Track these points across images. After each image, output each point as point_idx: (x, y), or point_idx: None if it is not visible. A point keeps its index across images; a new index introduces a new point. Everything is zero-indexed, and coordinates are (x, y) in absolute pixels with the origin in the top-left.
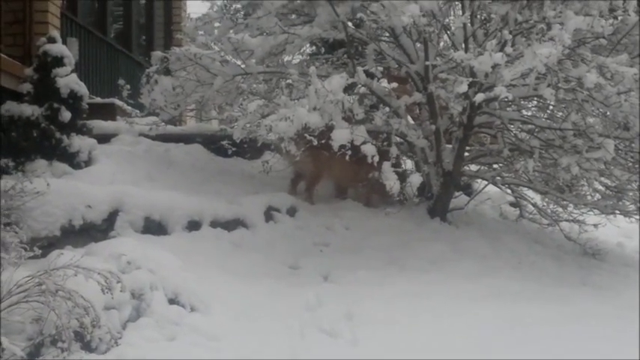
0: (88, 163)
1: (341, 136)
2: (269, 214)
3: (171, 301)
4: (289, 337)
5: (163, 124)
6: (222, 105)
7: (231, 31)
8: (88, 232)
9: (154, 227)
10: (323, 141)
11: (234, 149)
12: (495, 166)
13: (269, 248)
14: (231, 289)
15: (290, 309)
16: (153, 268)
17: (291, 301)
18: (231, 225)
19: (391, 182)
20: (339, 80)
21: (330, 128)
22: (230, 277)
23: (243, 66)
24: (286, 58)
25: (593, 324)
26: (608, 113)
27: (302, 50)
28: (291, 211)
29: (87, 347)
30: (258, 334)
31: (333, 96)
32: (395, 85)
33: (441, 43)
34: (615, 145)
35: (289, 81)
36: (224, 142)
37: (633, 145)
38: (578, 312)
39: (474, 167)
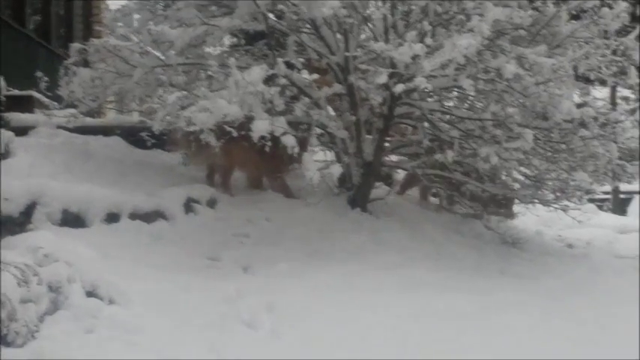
0: (5, 155)
1: (261, 127)
2: (189, 206)
3: (90, 294)
4: (208, 330)
5: (82, 116)
6: (142, 97)
7: (150, 22)
8: (5, 225)
9: (72, 220)
10: (237, 133)
11: (153, 141)
12: (415, 156)
13: (189, 240)
14: (151, 282)
15: (210, 301)
16: (71, 260)
17: (211, 294)
18: (150, 217)
19: (311, 173)
20: (259, 71)
21: (249, 119)
22: (149, 269)
23: (162, 57)
24: (207, 50)
25: (513, 313)
26: (527, 103)
27: (222, 42)
28: (211, 203)
29: (3, 341)
30: (177, 326)
31: (253, 87)
32: (316, 76)
33: (362, 35)
34: (534, 135)
35: (209, 72)
36: (143, 134)
37: (552, 135)
38: (498, 301)
39: (394, 158)
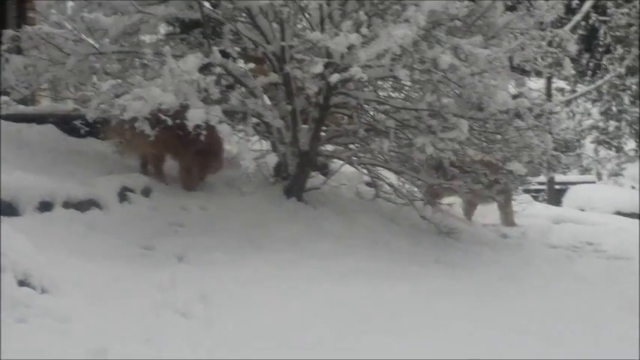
0: None
1: (196, 116)
2: (123, 195)
3: (22, 283)
4: (143, 319)
5: (15, 103)
6: (76, 85)
7: (84, 10)
8: None
9: (4, 208)
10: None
11: (87, 129)
12: (351, 146)
13: (123, 229)
14: (84, 271)
15: (144, 290)
16: (2, 249)
17: (145, 283)
18: (84, 206)
19: (247, 162)
20: (194, 60)
21: (184, 108)
22: (83, 258)
23: (96, 45)
24: (142, 38)
25: (446, 301)
26: (462, 94)
27: (157, 30)
28: (146, 192)
29: None
30: (111, 315)
31: (189, 76)
32: (252, 65)
33: (298, 24)
34: (469, 126)
35: (144, 61)
36: (77, 123)
37: (487, 125)
38: (432, 289)
39: (330, 147)
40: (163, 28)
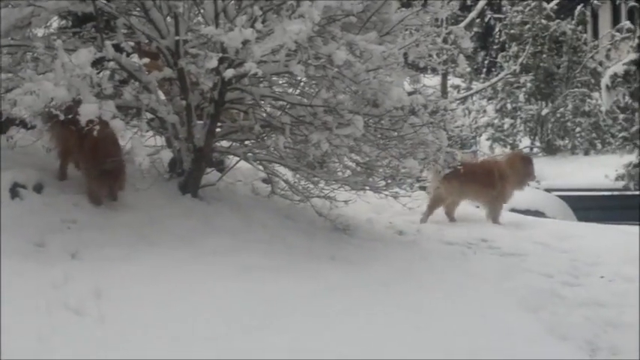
0: None
1: (89, 110)
2: (14, 191)
3: None
4: (35, 316)
5: None
6: None
7: None
8: None
9: None
10: (71, 116)
11: None
12: (247, 142)
13: (14, 226)
14: None
15: (36, 287)
16: None
17: (38, 280)
18: None
19: (141, 158)
20: (86, 54)
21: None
22: None
23: None
24: (33, 31)
25: (342, 297)
26: (357, 90)
27: (49, 23)
28: (38, 188)
29: None
30: (2, 313)
31: (81, 70)
32: (146, 60)
33: (194, 19)
34: (365, 122)
35: (35, 54)
36: None
37: (382, 122)
38: (328, 286)
39: (225, 143)
40: (56, 22)
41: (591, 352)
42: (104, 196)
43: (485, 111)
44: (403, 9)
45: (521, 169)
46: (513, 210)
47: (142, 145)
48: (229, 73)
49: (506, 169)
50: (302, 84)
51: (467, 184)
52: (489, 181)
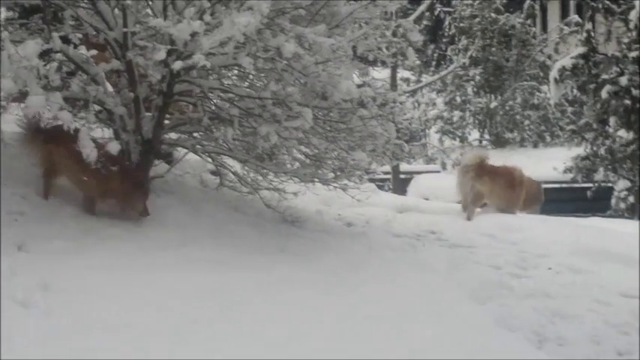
0: None
1: (35, 102)
2: None
3: None
4: None
5: None
6: None
7: None
8: None
9: None
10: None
11: None
12: (196, 134)
13: None
14: None
15: None
16: None
17: None
18: None
19: (88, 150)
20: (33, 46)
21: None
22: None
23: None
24: None
25: (291, 290)
26: (306, 83)
27: None
28: None
29: None
30: None
31: (28, 62)
32: (93, 52)
33: (142, 11)
34: (314, 115)
35: None
36: None
37: (331, 114)
38: (277, 278)
39: (174, 135)
40: (2, 13)
41: (538, 342)
42: (142, 210)
43: (434, 104)
44: (352, 2)
45: (536, 191)
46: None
47: (89, 138)
48: (178, 65)
49: (525, 181)
50: (251, 76)
51: (495, 183)
52: (511, 184)
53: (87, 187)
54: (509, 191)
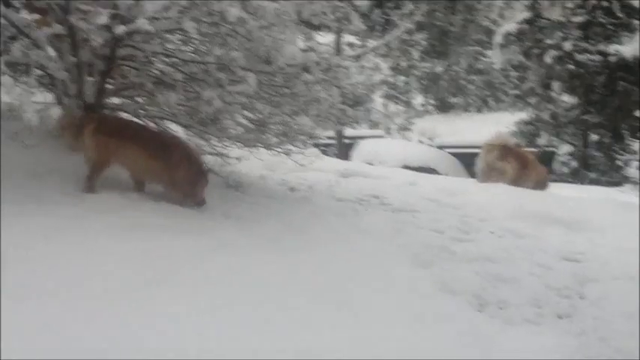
0: None
1: None
2: None
3: None
4: None
5: None
6: None
7: None
8: None
9: None
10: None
11: None
12: (139, 99)
13: None
14: None
15: None
16: None
17: None
18: None
19: (29, 114)
20: None
21: None
22: None
23: None
24: None
25: (233, 255)
26: (251, 47)
27: None
28: None
29: None
30: None
31: None
32: (35, 16)
33: None
34: (258, 79)
35: None
36: None
37: (275, 79)
38: (219, 243)
39: (117, 100)
40: None
41: (480, 305)
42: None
43: (379, 69)
44: None
45: (544, 178)
46: (406, 167)
47: (30, 102)
48: (121, 29)
49: (538, 167)
50: (195, 41)
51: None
52: (526, 166)
53: (154, 178)
54: (524, 172)
